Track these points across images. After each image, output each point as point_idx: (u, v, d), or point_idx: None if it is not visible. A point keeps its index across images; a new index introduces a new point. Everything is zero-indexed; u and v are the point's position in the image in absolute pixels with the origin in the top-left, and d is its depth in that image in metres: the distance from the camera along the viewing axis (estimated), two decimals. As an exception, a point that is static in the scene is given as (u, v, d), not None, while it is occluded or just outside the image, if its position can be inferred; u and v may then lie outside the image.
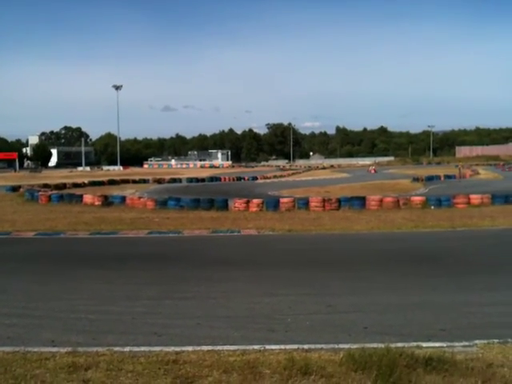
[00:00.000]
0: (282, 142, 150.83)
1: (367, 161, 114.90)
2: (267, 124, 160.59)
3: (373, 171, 65.12)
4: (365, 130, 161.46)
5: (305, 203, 21.33)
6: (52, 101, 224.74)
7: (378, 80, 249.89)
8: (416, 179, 43.99)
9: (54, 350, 5.49)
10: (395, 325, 6.51)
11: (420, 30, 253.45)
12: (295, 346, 5.58)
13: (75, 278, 9.64)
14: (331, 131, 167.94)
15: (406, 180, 44.77)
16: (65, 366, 4.99)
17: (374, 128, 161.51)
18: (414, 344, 5.61)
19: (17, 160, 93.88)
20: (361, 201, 21.56)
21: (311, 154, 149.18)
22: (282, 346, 5.58)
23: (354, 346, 5.49)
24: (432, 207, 21.66)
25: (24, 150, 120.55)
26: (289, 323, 6.50)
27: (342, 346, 5.62)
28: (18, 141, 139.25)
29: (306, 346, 5.59)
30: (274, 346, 5.59)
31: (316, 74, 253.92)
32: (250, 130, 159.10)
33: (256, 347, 5.56)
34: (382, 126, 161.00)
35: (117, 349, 5.50)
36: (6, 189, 33.50)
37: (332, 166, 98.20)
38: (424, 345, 5.62)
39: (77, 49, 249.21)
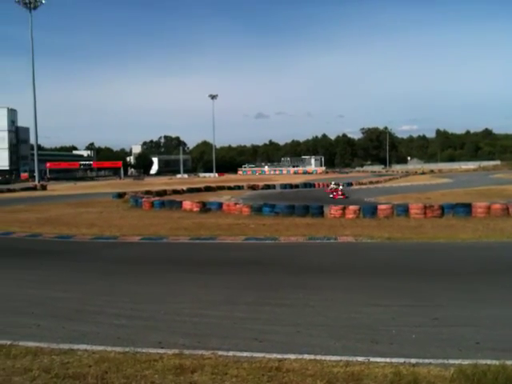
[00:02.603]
0: (378, 147, 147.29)
1: (470, 165, 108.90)
2: (361, 128, 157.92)
3: (336, 195, 35.43)
4: (467, 132, 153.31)
5: (404, 210, 20.51)
6: (153, 112, 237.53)
7: (482, 79, 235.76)
8: (526, 184, 40.93)
9: (162, 351, 5.67)
10: (510, 340, 6.03)
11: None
12: (401, 360, 5.33)
13: (177, 281, 10.02)
14: (431, 134, 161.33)
15: (514, 186, 41.73)
16: (172, 367, 5.13)
17: (477, 130, 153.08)
18: (533, 362, 5.13)
19: (121, 168, 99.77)
20: (466, 208, 20.29)
21: (409, 158, 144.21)
22: (388, 359, 5.35)
23: (465, 362, 5.14)
24: (546, 215, 19.90)
25: (128, 158, 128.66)
26: (393, 335, 6.22)
27: (451, 361, 5.28)
28: (123, 150, 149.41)
29: (413, 360, 5.32)
30: (378, 359, 5.37)
31: (413, 74, 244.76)
32: (344, 135, 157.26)
33: (360, 359, 5.38)
34: (486, 128, 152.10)
35: (221, 353, 5.58)
36: (113, 195, 35.74)
37: (432, 171, 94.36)
38: (545, 363, 5.12)
39: (175, 62, 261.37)
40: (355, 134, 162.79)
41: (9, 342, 5.96)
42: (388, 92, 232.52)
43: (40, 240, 16.55)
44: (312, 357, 5.47)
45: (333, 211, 21.05)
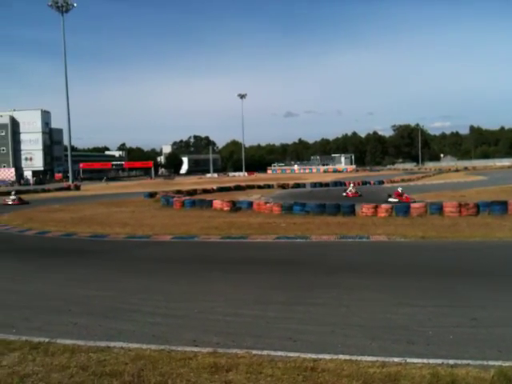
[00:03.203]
0: (409, 144, 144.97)
1: (505, 162, 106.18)
2: (393, 126, 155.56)
3: (350, 194, 33.95)
4: (502, 128, 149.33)
5: (438, 208, 20.06)
6: (182, 112, 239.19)
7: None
8: None
9: (196, 349, 5.72)
10: (552, 342, 5.83)
11: None
12: (439, 361, 5.24)
13: (209, 280, 10.05)
14: (464, 131, 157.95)
15: (552, 182, 40.40)
16: (207, 366, 5.16)
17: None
18: None
19: (152, 168, 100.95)
20: (502, 205, 19.71)
21: (442, 155, 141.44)
22: (425, 360, 5.27)
23: (506, 364, 5.03)
24: None
25: (158, 158, 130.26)
26: (430, 336, 6.10)
27: (491, 362, 5.17)
28: (153, 150, 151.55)
29: (451, 361, 5.22)
30: (415, 360, 5.29)
31: (445, 71, 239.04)
32: (375, 133, 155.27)
33: (396, 360, 5.30)
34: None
35: (255, 352, 5.58)
36: (145, 195, 36.19)
37: (466, 169, 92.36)
38: None
39: (204, 62, 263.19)
40: (386, 132, 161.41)
41: (47, 340, 6.10)
42: (419, 88, 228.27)
43: (75, 239, 16.90)
44: (347, 357, 5.42)
45: (364, 209, 20.78)
